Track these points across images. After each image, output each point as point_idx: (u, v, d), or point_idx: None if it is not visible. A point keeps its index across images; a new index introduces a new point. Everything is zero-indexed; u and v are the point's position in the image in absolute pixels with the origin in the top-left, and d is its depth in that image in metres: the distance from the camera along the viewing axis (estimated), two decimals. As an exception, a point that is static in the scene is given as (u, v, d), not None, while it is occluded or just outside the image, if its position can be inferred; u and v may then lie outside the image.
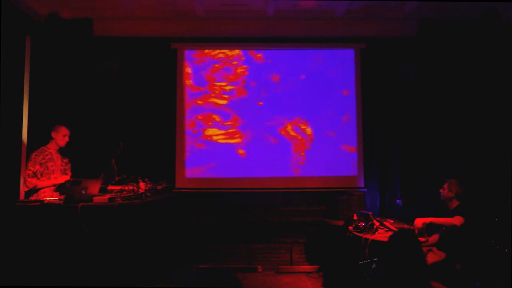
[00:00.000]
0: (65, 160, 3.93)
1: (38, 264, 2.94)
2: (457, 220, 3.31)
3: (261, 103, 5.24)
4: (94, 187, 3.28)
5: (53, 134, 3.78)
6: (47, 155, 3.73)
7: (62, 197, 3.19)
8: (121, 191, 3.47)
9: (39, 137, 3.89)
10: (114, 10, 4.92)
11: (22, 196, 3.72)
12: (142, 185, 3.49)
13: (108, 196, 3.25)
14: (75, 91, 4.83)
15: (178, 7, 4.96)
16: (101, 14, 4.97)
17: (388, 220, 3.85)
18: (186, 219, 4.93)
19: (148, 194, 3.45)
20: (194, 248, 4.84)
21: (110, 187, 3.58)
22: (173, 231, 4.32)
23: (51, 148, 3.79)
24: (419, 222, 3.40)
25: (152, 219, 3.49)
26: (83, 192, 3.15)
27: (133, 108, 5.07)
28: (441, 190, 3.63)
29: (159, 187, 3.78)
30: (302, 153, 5.21)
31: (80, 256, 2.95)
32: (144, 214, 3.28)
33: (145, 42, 5.13)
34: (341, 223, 4.17)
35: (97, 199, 3.15)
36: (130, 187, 3.47)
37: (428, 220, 3.41)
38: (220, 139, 5.21)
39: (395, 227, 3.57)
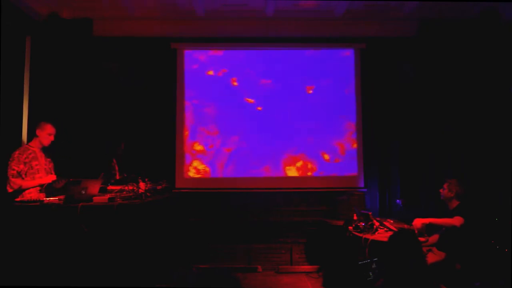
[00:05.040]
0: (48, 159, 3.70)
1: (38, 264, 2.93)
2: (456, 221, 3.31)
3: (260, 105, 5.25)
4: (94, 187, 3.27)
5: (37, 132, 3.56)
6: (30, 153, 3.49)
7: (60, 196, 3.16)
8: (121, 191, 3.46)
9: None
10: (114, 10, 4.93)
11: (20, 196, 3.49)
12: (142, 185, 3.48)
13: (108, 196, 3.24)
14: (75, 91, 4.84)
15: (178, 7, 4.96)
16: (101, 14, 4.97)
17: (388, 220, 3.85)
18: (186, 219, 4.93)
19: (148, 194, 3.45)
20: (194, 248, 4.84)
21: (110, 187, 3.56)
22: (173, 231, 4.32)
23: (34, 146, 3.56)
24: (418, 222, 3.41)
25: (152, 219, 3.49)
26: (83, 192, 3.14)
27: (133, 108, 5.07)
28: (441, 190, 3.62)
29: (159, 187, 3.77)
30: (302, 153, 5.21)
31: (80, 256, 2.95)
32: (144, 214, 3.28)
33: (145, 42, 5.13)
34: (341, 223, 4.17)
35: (97, 199, 3.15)
36: (130, 187, 3.46)
37: (427, 220, 3.41)
38: (220, 138, 5.21)
39: (395, 227, 3.57)
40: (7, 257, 2.95)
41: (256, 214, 5.09)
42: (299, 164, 5.20)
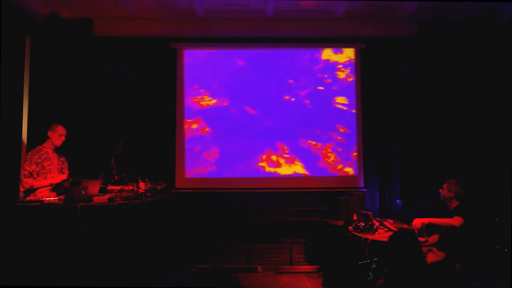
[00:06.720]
0: (62, 159, 3.86)
1: (38, 264, 2.93)
2: (456, 221, 3.31)
3: (260, 105, 5.25)
4: (94, 187, 3.28)
5: (49, 133, 3.72)
6: (43, 154, 3.66)
7: (61, 197, 3.19)
8: (121, 191, 3.46)
9: (39, 137, 3.87)
10: (114, 10, 4.92)
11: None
12: (142, 185, 3.48)
13: (108, 196, 3.25)
14: (75, 91, 4.85)
15: (178, 7, 4.96)
16: (101, 14, 4.97)
17: (388, 220, 3.85)
18: (186, 219, 4.93)
19: (148, 194, 3.45)
20: (194, 248, 4.84)
21: (110, 187, 3.56)
22: (173, 231, 4.32)
23: (47, 147, 3.73)
24: (417, 222, 3.40)
25: (151, 219, 3.49)
26: (83, 192, 3.15)
27: (133, 108, 5.08)
28: (440, 190, 3.62)
29: (159, 187, 3.77)
30: (302, 153, 5.21)
31: (80, 256, 2.95)
32: (144, 214, 3.28)
33: (145, 42, 5.13)
34: (341, 223, 4.17)
35: (97, 199, 3.15)
36: (130, 187, 3.46)
37: (426, 220, 3.41)
38: (221, 138, 5.21)
39: (395, 227, 3.57)
40: (8, 257, 2.95)
41: (256, 214, 5.09)
42: (299, 163, 5.20)
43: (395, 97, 5.18)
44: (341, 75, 5.29)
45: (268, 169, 5.18)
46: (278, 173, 5.18)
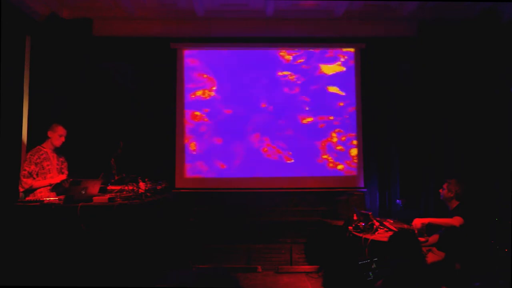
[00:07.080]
0: (61, 159, 3.85)
1: (38, 264, 2.93)
2: (456, 221, 3.31)
3: (263, 104, 5.25)
4: (94, 187, 3.28)
5: (49, 133, 3.70)
6: (42, 154, 3.65)
7: (61, 197, 3.19)
8: (121, 191, 3.46)
9: (39, 137, 3.86)
10: (114, 10, 4.92)
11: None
12: (142, 185, 3.49)
13: (108, 196, 3.25)
14: (75, 91, 4.85)
15: (178, 7, 4.97)
16: (101, 14, 4.98)
17: (388, 220, 3.85)
18: (186, 219, 4.93)
19: (148, 194, 3.45)
20: (194, 248, 4.84)
21: (110, 187, 3.56)
22: (173, 231, 4.32)
23: (47, 147, 3.71)
24: (417, 222, 3.41)
25: (151, 219, 3.49)
26: (83, 192, 3.15)
27: (133, 108, 5.08)
28: (440, 190, 3.62)
29: (159, 187, 3.77)
30: (302, 153, 5.21)
31: (80, 256, 2.95)
32: (144, 214, 3.28)
33: (144, 42, 5.13)
34: (341, 223, 4.17)
35: (97, 199, 3.15)
36: (130, 187, 3.46)
37: (426, 220, 3.41)
38: (221, 138, 5.21)
39: (395, 227, 3.57)
40: (8, 257, 2.95)
41: (256, 214, 5.09)
42: (299, 163, 5.20)
43: (395, 97, 5.18)
44: (337, 69, 5.30)
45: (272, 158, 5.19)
46: (284, 161, 5.18)
